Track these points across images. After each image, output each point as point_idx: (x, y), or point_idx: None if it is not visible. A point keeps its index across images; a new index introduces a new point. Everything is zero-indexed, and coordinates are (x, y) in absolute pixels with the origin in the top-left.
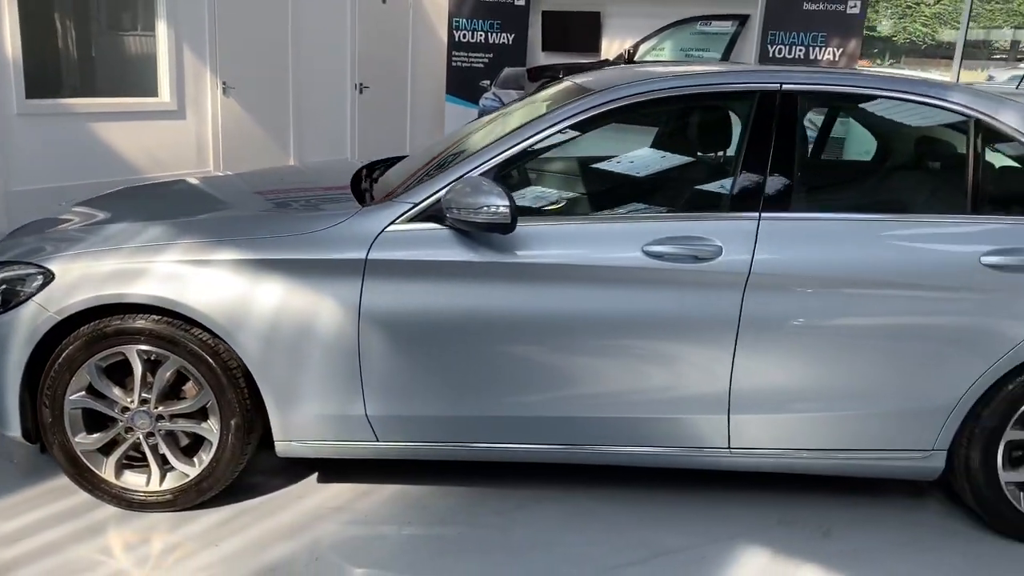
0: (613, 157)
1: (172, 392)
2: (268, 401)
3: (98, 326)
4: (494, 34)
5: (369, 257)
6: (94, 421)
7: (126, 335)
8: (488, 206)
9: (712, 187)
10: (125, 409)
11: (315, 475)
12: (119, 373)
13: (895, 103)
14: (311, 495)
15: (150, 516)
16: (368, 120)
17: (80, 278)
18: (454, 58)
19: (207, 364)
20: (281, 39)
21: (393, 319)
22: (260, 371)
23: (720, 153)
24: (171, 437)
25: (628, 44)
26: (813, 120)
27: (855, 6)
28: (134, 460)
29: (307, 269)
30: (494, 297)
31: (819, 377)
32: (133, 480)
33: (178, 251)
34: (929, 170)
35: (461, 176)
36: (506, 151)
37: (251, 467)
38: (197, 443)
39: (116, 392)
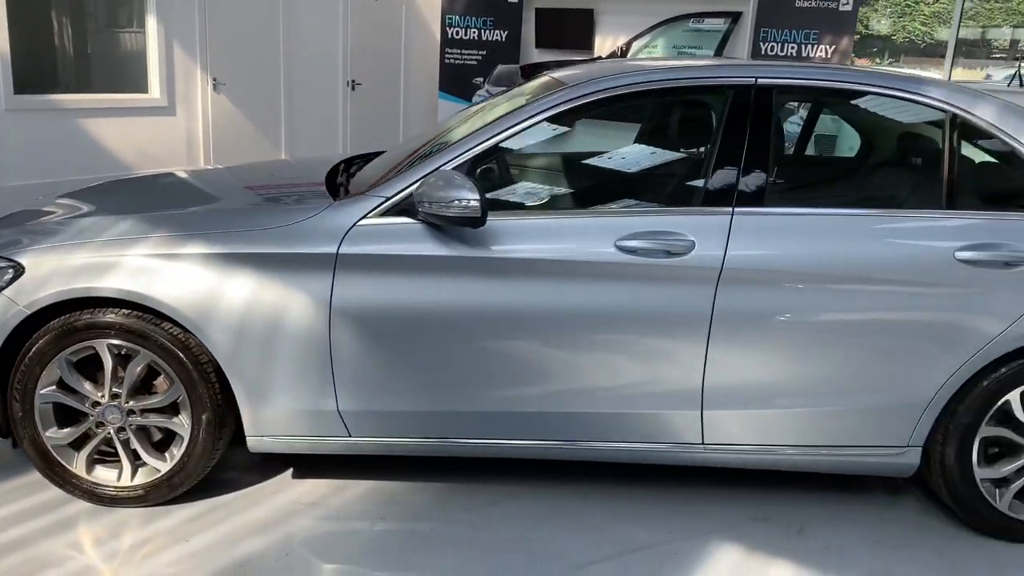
0: (587, 152)
1: (144, 387)
2: (239, 396)
3: (68, 320)
4: (487, 31)
5: (340, 251)
6: (65, 416)
7: (96, 329)
8: (459, 200)
9: (686, 181)
10: (96, 404)
11: (290, 471)
12: (91, 367)
13: (871, 98)
14: (285, 491)
15: (121, 511)
16: (361, 117)
17: (51, 272)
18: (447, 55)
19: (177, 359)
20: (272, 35)
21: (364, 314)
22: (231, 366)
23: (694, 147)
24: (142, 432)
25: (621, 41)
26: (803, 117)
27: (847, 3)
28: (106, 455)
29: (277, 263)
30: (466, 292)
31: (792, 373)
32: (104, 475)
33: (148, 245)
34: (905, 165)
35: (433, 170)
36: (478, 146)
37: (225, 463)
38: (169, 438)
39: (87, 387)
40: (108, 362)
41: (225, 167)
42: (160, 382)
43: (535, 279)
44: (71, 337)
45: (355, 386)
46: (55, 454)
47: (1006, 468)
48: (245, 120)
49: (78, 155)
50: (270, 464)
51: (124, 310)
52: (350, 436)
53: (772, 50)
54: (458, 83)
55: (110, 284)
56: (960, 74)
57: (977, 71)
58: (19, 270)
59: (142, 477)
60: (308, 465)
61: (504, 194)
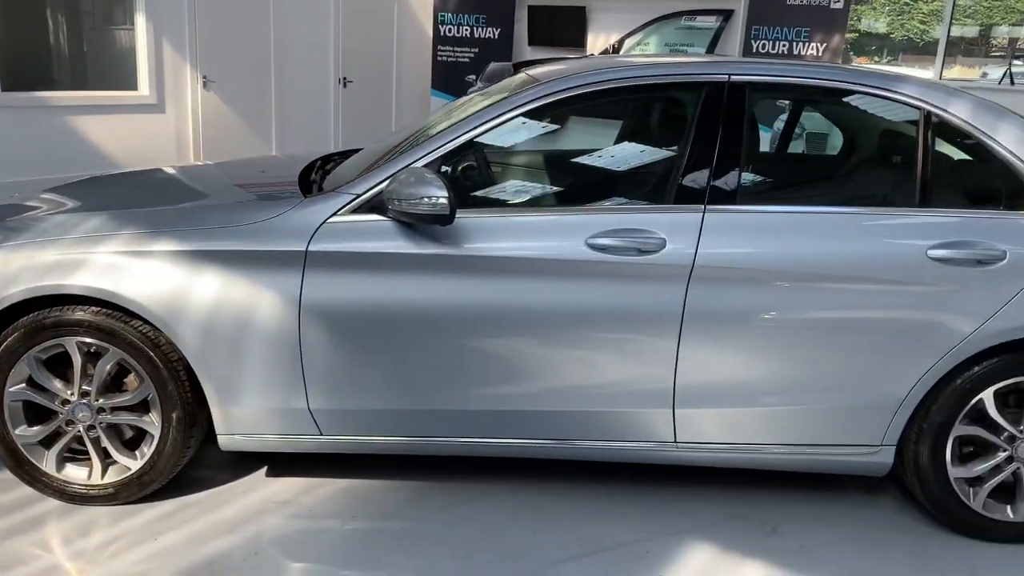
0: (561, 149)
1: (114, 385)
2: (209, 394)
3: (37, 318)
4: (480, 28)
5: (310, 249)
6: (35, 414)
7: (65, 327)
8: (427, 197)
9: (658, 179)
10: (66, 402)
11: (264, 469)
12: (61, 365)
13: (845, 95)
14: (258, 489)
15: (91, 510)
16: (352, 114)
17: (20, 269)
18: (439, 52)
19: (147, 356)
20: (263, 33)
21: (334, 312)
22: (200, 364)
23: (667, 145)
24: (113, 430)
25: (614, 39)
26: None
27: (839, 1)
28: (77, 453)
29: (247, 261)
30: (437, 290)
31: (764, 371)
32: (74, 473)
33: (118, 242)
34: (880, 163)
35: (404, 167)
36: (449, 143)
37: (199, 461)
38: (140, 436)
39: (56, 384)
40: (77, 360)
41: (215, 163)
42: (130, 380)
43: (506, 277)
44: (40, 335)
45: (325, 384)
46: (25, 452)
47: (980, 467)
48: (235, 118)
49: (67, 152)
50: (244, 462)
51: (93, 308)
52: (321, 434)
53: (764, 48)
54: (450, 80)
55: (79, 281)
56: (958, 72)
57: (975, 69)
58: None
59: (112, 475)
60: (283, 463)
61: (476, 191)
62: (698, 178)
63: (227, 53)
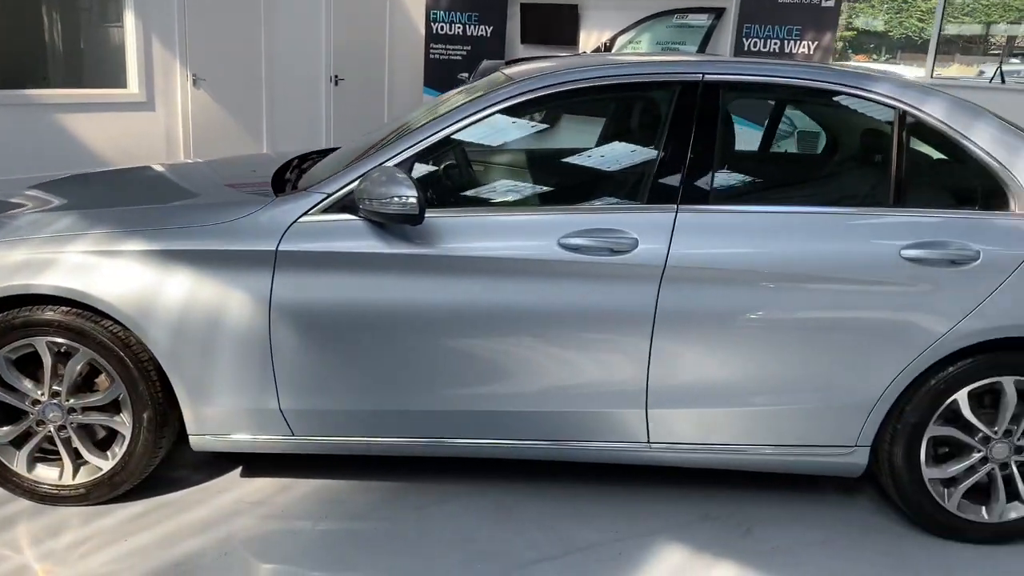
0: (534, 149)
1: (86, 385)
2: (180, 394)
3: (6, 317)
4: (472, 26)
5: (280, 248)
6: (5, 414)
7: (34, 327)
8: (397, 197)
9: (631, 179)
10: (36, 402)
11: (239, 469)
12: (32, 365)
13: (820, 94)
14: (231, 489)
15: (63, 510)
16: (344, 112)
17: None
18: (432, 50)
19: (117, 356)
20: (253, 30)
21: (305, 311)
22: (171, 364)
23: (640, 144)
24: (84, 430)
25: (606, 37)
26: (788, 115)
27: (830, 0)
28: (48, 453)
29: (217, 260)
30: (407, 290)
31: (737, 372)
32: (45, 474)
33: (88, 241)
34: (854, 162)
35: (375, 167)
36: (421, 142)
37: (174, 461)
38: (112, 436)
39: (27, 384)
40: (47, 360)
41: (204, 161)
42: (101, 380)
43: (477, 277)
44: (9, 335)
45: (296, 385)
46: None
47: (954, 468)
48: (226, 116)
49: (56, 150)
50: (219, 463)
51: (63, 307)
52: (293, 435)
53: (755, 46)
54: (443, 78)
55: (48, 281)
56: (956, 70)
57: (972, 67)
58: None
59: (84, 476)
60: (258, 463)
61: (448, 191)
62: (671, 178)
63: (217, 51)
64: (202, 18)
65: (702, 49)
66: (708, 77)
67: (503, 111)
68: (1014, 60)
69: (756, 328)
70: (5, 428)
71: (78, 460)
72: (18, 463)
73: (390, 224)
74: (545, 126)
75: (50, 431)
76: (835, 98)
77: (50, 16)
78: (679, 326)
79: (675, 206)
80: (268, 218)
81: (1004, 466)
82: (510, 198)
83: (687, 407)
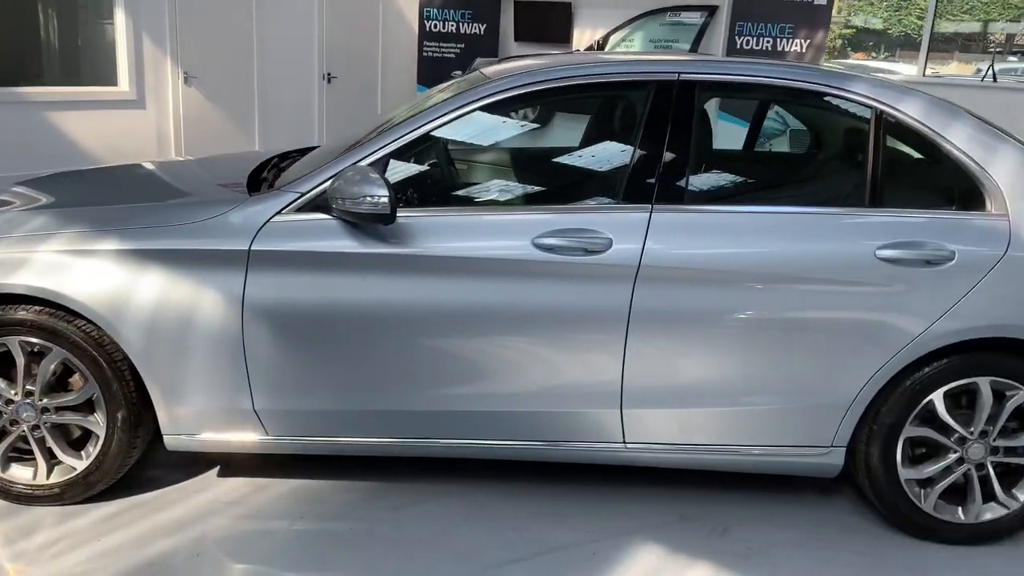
0: (508, 148)
1: (60, 384)
2: (154, 394)
3: None
4: (465, 24)
5: (253, 248)
6: None
7: (7, 326)
8: (369, 196)
9: (606, 178)
10: (9, 402)
11: (216, 469)
12: (5, 365)
13: (796, 94)
14: (208, 489)
15: (36, 510)
16: (337, 110)
17: None
18: (425, 48)
19: (91, 356)
20: (245, 28)
21: (278, 311)
22: (144, 363)
23: (614, 144)
24: (59, 430)
25: (599, 35)
26: (781, 114)
27: None
28: (22, 453)
29: (189, 260)
30: (381, 290)
31: (712, 372)
32: (19, 473)
33: (61, 241)
34: (830, 162)
35: (348, 166)
36: (394, 141)
37: (151, 461)
38: (87, 436)
39: (0, 384)
40: (20, 359)
41: (195, 159)
42: (75, 380)
43: (451, 277)
44: None
45: (270, 385)
46: None
47: (930, 468)
48: (218, 114)
49: (47, 148)
50: (196, 462)
51: (36, 307)
52: (267, 435)
53: (748, 44)
54: (436, 76)
55: (21, 280)
56: (955, 68)
57: (971, 65)
58: None
59: (58, 475)
60: (235, 463)
61: (423, 190)
62: (646, 178)
63: (209, 49)
64: (193, 15)
65: (695, 47)
66: (684, 77)
67: (478, 110)
68: (1012, 58)
69: (731, 328)
70: None
71: (52, 460)
72: None
73: (363, 224)
74: (522, 125)
75: (24, 431)
76: (812, 98)
77: (40, 14)
78: (654, 326)
79: (650, 206)
80: (241, 217)
81: (980, 467)
82: (485, 197)
83: (662, 407)
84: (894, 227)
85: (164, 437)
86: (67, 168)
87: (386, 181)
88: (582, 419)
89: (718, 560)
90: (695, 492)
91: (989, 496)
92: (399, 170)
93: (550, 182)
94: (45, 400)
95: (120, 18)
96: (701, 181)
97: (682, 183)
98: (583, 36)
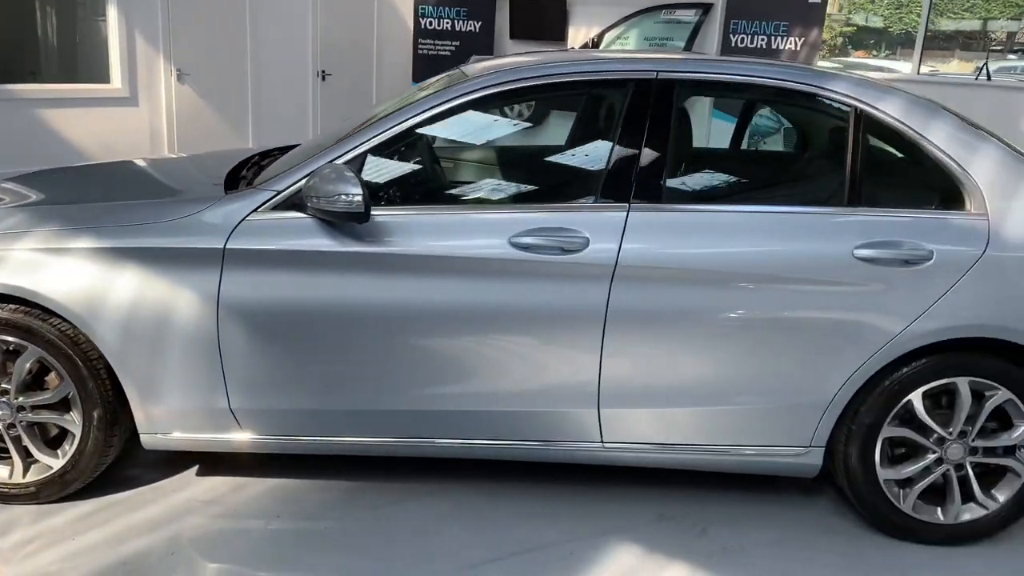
0: (485, 146)
1: (36, 383)
2: (130, 393)
3: None
4: (461, 22)
5: (228, 246)
6: None
7: None
8: (344, 195)
9: (584, 177)
10: None
11: (195, 468)
12: None
13: (777, 92)
14: (185, 488)
15: (12, 509)
16: (331, 108)
17: None
18: (420, 46)
19: (66, 355)
20: (239, 25)
21: (253, 310)
22: (120, 362)
23: (592, 142)
24: (35, 429)
25: (594, 32)
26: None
27: None
28: (0, 451)
29: (165, 258)
30: (357, 288)
31: (690, 371)
32: None
33: (37, 239)
34: (809, 161)
35: (323, 164)
36: (371, 139)
37: (130, 459)
38: (63, 435)
39: None
40: None
41: (188, 156)
42: (51, 378)
43: (428, 276)
44: None
45: (246, 384)
46: None
47: (909, 469)
48: (211, 112)
49: (39, 146)
50: (175, 461)
51: (11, 305)
52: (244, 434)
53: (742, 42)
54: (432, 74)
55: None
56: (956, 67)
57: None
58: None
59: (34, 474)
60: (214, 462)
61: (399, 188)
62: (623, 176)
63: (202, 46)
64: (186, 12)
65: (689, 45)
66: (662, 75)
67: (456, 108)
68: (1012, 56)
69: (708, 328)
70: None
71: (28, 459)
72: None
73: (338, 222)
74: (498, 123)
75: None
76: (792, 96)
77: (34, 11)
78: (631, 326)
79: (627, 205)
80: (216, 216)
81: (959, 467)
82: (462, 196)
83: (640, 407)
84: (872, 226)
85: (140, 436)
86: (60, 165)
87: (360, 179)
88: (560, 418)
89: (695, 560)
90: (676, 492)
91: (968, 497)
92: (376, 168)
93: (528, 181)
94: (21, 399)
95: (113, 15)
96: (679, 180)
97: (660, 182)
98: (578, 34)
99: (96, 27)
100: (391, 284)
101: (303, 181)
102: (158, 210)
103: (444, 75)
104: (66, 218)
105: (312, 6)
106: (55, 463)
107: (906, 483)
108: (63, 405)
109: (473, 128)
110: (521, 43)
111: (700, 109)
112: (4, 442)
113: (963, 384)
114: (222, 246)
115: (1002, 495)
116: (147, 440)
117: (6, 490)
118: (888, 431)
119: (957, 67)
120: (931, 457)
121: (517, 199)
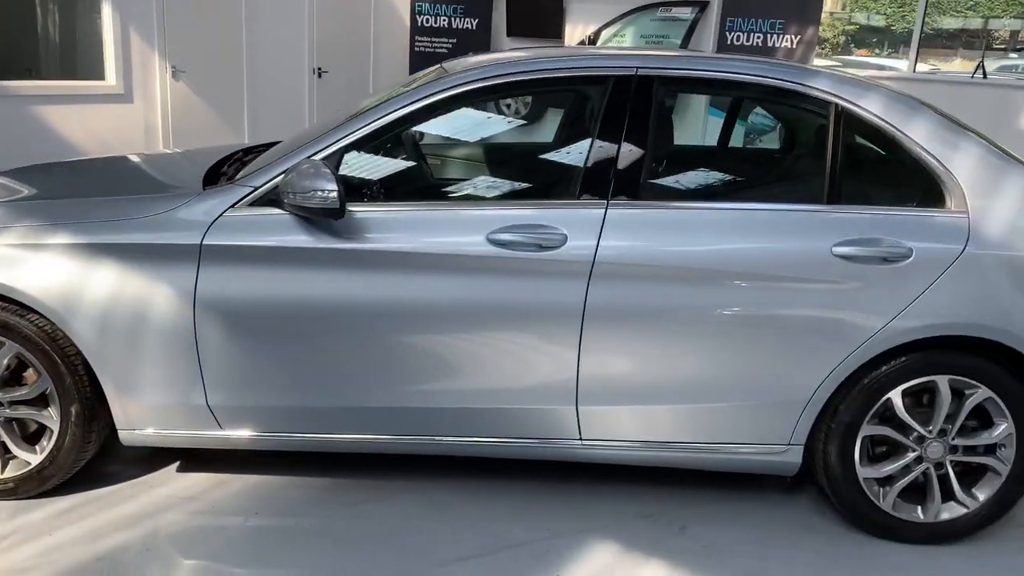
0: (465, 142)
1: (15, 378)
2: (108, 389)
3: None
4: (457, 19)
5: (204, 242)
6: None
7: None
8: (320, 191)
9: (562, 173)
10: None
11: (176, 464)
12: None
13: (757, 89)
14: (165, 484)
15: None
16: (328, 105)
17: None
18: (417, 43)
19: (43, 351)
20: (234, 22)
21: (230, 306)
22: (97, 358)
23: (573, 138)
24: (13, 424)
25: (591, 29)
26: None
27: None
28: None
29: (142, 254)
30: (334, 285)
31: (669, 369)
32: None
33: (15, 234)
34: (790, 157)
35: (300, 160)
36: (348, 135)
37: (111, 455)
38: (42, 431)
39: None
40: None
41: (182, 151)
42: (29, 374)
43: (405, 272)
44: None
45: (223, 380)
46: None
47: (889, 467)
48: (206, 108)
49: (33, 143)
50: (156, 457)
51: None
52: (222, 430)
53: (738, 40)
54: None
55: None
56: (959, 65)
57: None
58: None
59: (12, 470)
60: (195, 458)
61: (378, 185)
62: (602, 173)
63: (197, 43)
64: (181, 9)
65: (686, 42)
66: (642, 71)
67: (434, 104)
68: (1013, 55)
69: (687, 325)
70: None
71: (6, 454)
72: None
73: (315, 218)
74: (477, 120)
75: None
76: (773, 93)
77: (28, 8)
78: (609, 323)
79: (605, 202)
80: (193, 212)
81: (939, 466)
82: (441, 192)
83: (619, 404)
84: (851, 224)
85: (119, 432)
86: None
87: (336, 175)
88: (538, 415)
89: (674, 558)
90: (656, 489)
91: (948, 495)
92: (354, 164)
93: (508, 177)
94: None
95: (107, 12)
96: (658, 177)
97: (639, 179)
98: (575, 31)
99: (92, 24)
100: (368, 281)
101: (280, 177)
102: (136, 206)
103: (424, 72)
104: (45, 214)
105: (308, 3)
106: (33, 459)
107: (886, 481)
108: (41, 401)
109: (454, 125)
110: (518, 40)
111: (696, 107)
112: None
113: (943, 382)
114: (199, 242)
115: (982, 494)
116: (125, 436)
117: None
118: (868, 429)
119: (959, 66)
120: (911, 455)
121: (497, 196)
